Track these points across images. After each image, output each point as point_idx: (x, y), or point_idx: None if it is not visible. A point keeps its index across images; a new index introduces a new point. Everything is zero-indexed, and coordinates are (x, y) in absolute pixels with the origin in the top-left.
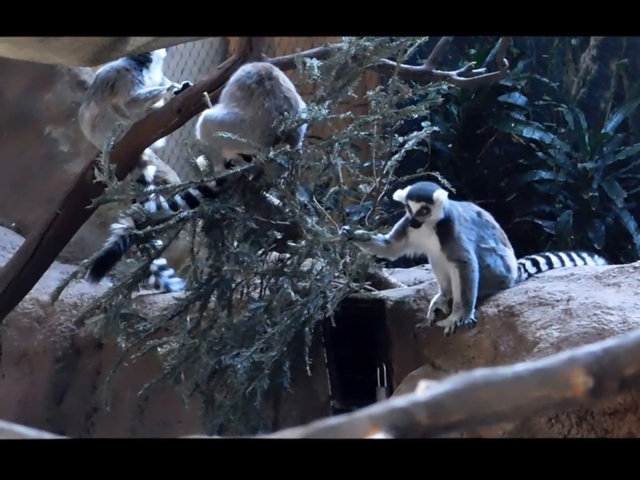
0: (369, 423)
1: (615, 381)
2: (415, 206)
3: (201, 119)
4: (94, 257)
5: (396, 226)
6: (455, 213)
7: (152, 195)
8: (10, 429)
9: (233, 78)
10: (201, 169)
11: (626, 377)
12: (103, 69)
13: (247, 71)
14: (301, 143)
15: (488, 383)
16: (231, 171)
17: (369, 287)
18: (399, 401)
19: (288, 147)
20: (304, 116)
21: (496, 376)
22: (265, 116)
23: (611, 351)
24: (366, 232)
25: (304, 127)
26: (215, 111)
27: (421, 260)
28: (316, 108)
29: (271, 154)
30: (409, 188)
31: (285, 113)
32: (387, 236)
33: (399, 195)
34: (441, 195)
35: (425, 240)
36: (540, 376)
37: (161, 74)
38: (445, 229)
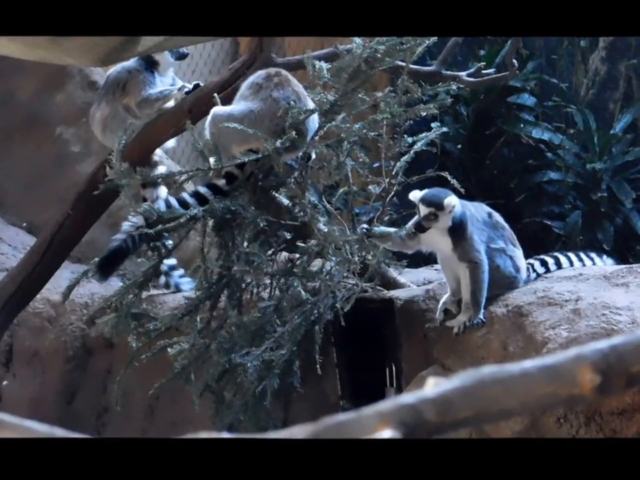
0: (377, 419)
1: (621, 378)
2: (424, 210)
3: (209, 116)
4: (101, 254)
5: (409, 224)
6: (467, 214)
7: (161, 191)
8: (21, 424)
9: (243, 84)
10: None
11: (633, 374)
12: (114, 69)
13: (256, 74)
14: (311, 145)
15: (495, 379)
16: (239, 161)
17: (379, 287)
18: (407, 397)
19: (294, 133)
20: (310, 105)
21: (503, 373)
22: (273, 105)
23: (618, 349)
24: (385, 229)
25: (313, 122)
26: (223, 107)
27: (430, 260)
28: (321, 96)
29: (278, 143)
30: (425, 191)
31: (292, 103)
32: (402, 232)
33: (414, 195)
34: (452, 202)
35: (437, 239)
36: (547, 373)
37: (172, 74)
38: (458, 229)
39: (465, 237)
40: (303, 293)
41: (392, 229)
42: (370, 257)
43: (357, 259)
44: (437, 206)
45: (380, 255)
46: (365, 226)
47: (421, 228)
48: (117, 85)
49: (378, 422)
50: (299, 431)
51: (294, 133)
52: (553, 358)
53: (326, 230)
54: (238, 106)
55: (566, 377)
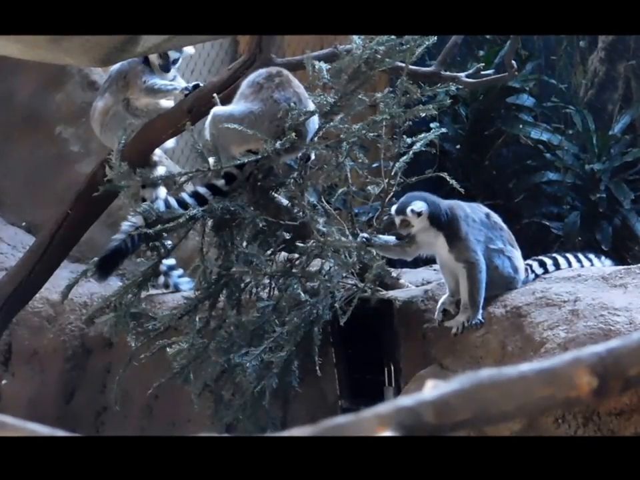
0: (376, 421)
1: (618, 381)
2: (396, 220)
3: (209, 116)
4: (100, 254)
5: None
6: (460, 213)
7: (160, 191)
8: (23, 426)
9: (243, 82)
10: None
11: (630, 377)
12: (116, 65)
13: (257, 73)
14: (310, 146)
15: (494, 382)
16: (238, 162)
17: (378, 288)
18: (406, 400)
19: (294, 134)
20: (311, 106)
21: (501, 376)
22: (273, 107)
23: (615, 352)
24: (384, 238)
25: (313, 123)
26: (224, 107)
27: (428, 260)
28: (321, 97)
29: (278, 144)
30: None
31: (292, 104)
32: (401, 242)
33: (392, 209)
34: (416, 207)
35: (433, 241)
36: (545, 376)
37: (174, 71)
38: (451, 229)
39: (459, 237)
40: (302, 294)
41: (391, 238)
42: (367, 258)
43: (354, 259)
44: (403, 213)
45: (377, 268)
46: (366, 235)
47: (400, 237)
48: (120, 76)
49: (377, 424)
50: (297, 434)
51: (293, 134)
52: (550, 361)
53: (325, 230)
54: (238, 106)
55: (563, 380)
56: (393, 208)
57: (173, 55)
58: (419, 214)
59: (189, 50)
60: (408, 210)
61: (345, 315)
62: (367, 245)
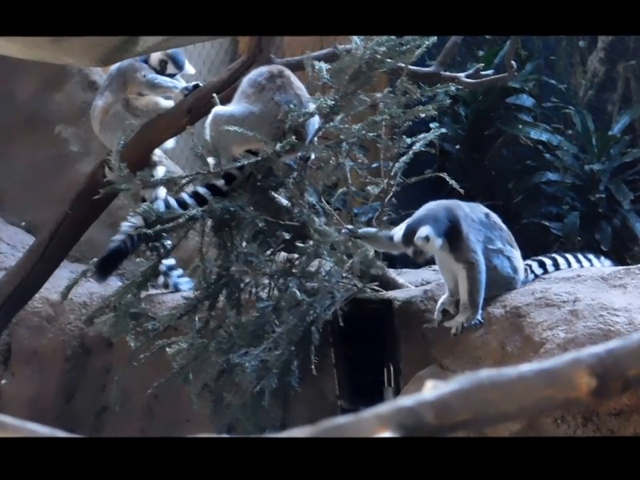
0: (376, 422)
1: (618, 382)
2: (409, 250)
3: (210, 115)
4: (100, 255)
5: (394, 231)
6: (460, 214)
7: (160, 191)
8: (23, 426)
9: (245, 79)
10: (211, 170)
11: (629, 377)
12: (117, 63)
13: (259, 71)
14: (310, 147)
15: (494, 383)
16: (239, 164)
17: (377, 288)
18: (406, 400)
19: (294, 137)
20: (311, 108)
21: (501, 376)
22: (274, 109)
23: (615, 353)
24: (368, 230)
25: (313, 125)
26: (225, 107)
27: (428, 260)
28: (322, 100)
29: (278, 146)
30: (399, 232)
31: (292, 106)
32: (392, 233)
33: (397, 236)
34: (422, 234)
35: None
36: (545, 377)
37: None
38: (452, 231)
39: (460, 238)
40: (298, 293)
41: (374, 230)
42: (358, 251)
43: (356, 259)
44: (413, 244)
45: (361, 256)
46: (349, 227)
47: (417, 263)
48: (120, 74)
49: (377, 424)
50: (297, 434)
51: (294, 137)
52: (550, 362)
53: (321, 229)
54: (239, 107)
55: (563, 380)
56: (399, 237)
57: (171, 70)
58: (427, 239)
59: (189, 70)
60: (416, 239)
61: (344, 313)
62: (352, 237)
